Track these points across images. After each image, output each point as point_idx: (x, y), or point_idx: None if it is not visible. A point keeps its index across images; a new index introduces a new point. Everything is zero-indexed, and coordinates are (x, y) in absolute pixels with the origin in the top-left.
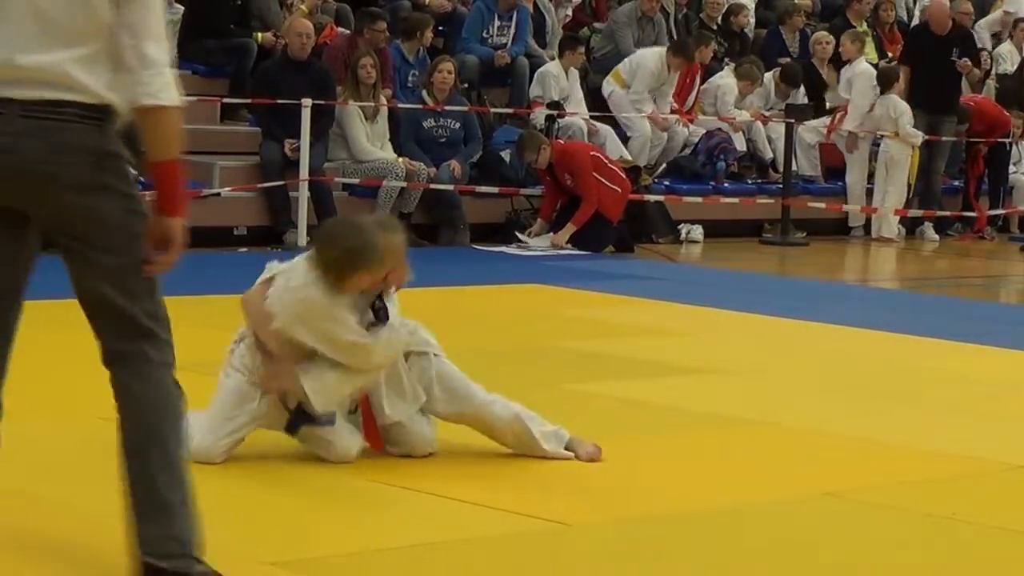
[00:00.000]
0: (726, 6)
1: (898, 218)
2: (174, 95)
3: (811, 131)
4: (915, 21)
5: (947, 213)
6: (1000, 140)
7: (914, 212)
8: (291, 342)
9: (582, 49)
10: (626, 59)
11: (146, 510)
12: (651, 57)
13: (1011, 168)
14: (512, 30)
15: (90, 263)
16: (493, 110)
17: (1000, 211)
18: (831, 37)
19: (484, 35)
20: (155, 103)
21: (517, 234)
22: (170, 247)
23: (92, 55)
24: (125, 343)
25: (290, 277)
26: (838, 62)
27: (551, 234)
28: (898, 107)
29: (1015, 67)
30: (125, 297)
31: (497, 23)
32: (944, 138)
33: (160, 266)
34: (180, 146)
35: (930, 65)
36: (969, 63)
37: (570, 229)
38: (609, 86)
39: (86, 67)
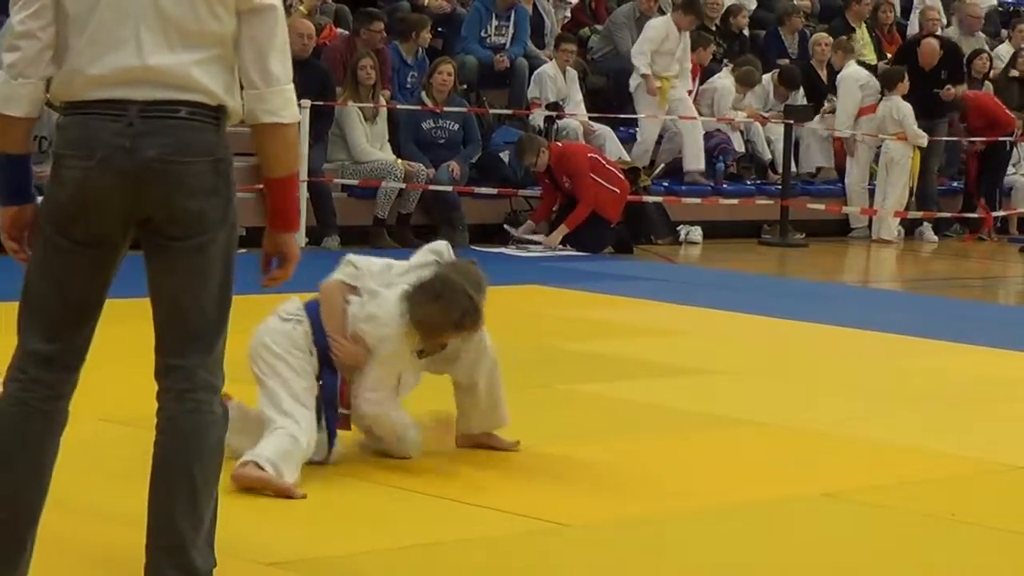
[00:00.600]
0: (725, 7)
1: (898, 220)
2: (294, 111)
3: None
4: (910, 24)
5: (948, 215)
6: (997, 140)
7: (914, 214)
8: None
9: (572, 47)
10: None
11: (159, 542)
12: (659, 19)
13: (1010, 169)
14: (511, 30)
15: (176, 264)
16: (492, 111)
17: (1000, 213)
18: (830, 38)
19: (482, 34)
20: (276, 121)
21: (508, 228)
22: (285, 261)
23: (212, 58)
24: (179, 357)
25: (380, 309)
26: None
27: (543, 236)
28: (901, 108)
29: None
30: (195, 303)
31: (495, 22)
32: (939, 138)
33: (276, 280)
34: (297, 160)
35: (920, 78)
36: (952, 91)
37: (563, 231)
38: (635, 79)
39: (206, 69)
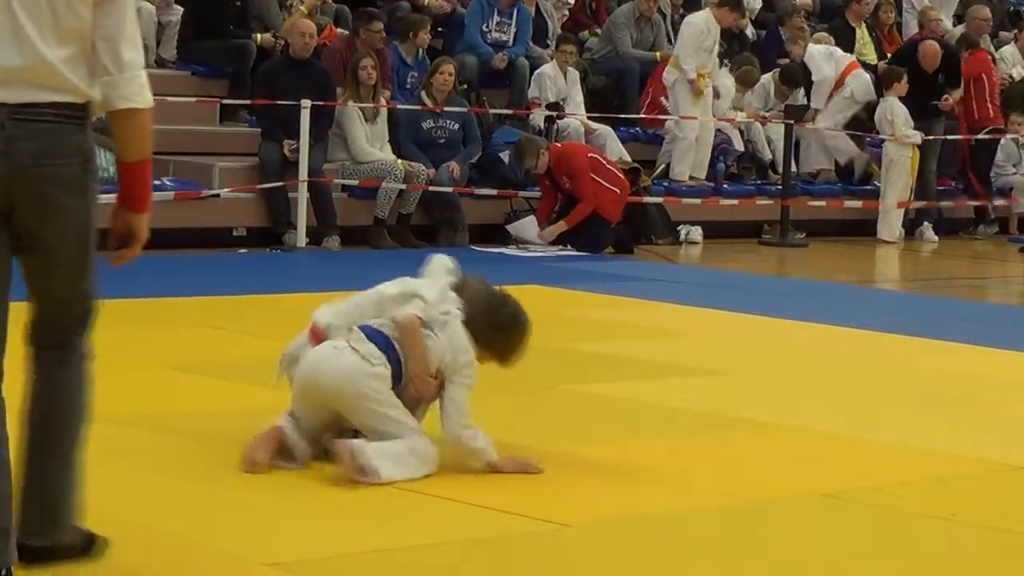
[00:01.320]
0: None
1: (900, 220)
2: (148, 97)
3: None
4: (905, 24)
5: (950, 203)
6: (986, 135)
7: (916, 204)
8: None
9: (573, 48)
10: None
11: (31, 495)
12: (698, 15)
13: (1011, 169)
14: (512, 29)
15: (55, 260)
16: (492, 111)
17: (1001, 202)
18: (831, 38)
19: (483, 28)
20: (130, 106)
21: (509, 229)
22: (134, 242)
23: (77, 55)
24: (62, 334)
25: (458, 339)
26: None
27: (541, 227)
28: (894, 109)
29: (1015, 67)
30: (76, 291)
31: (496, 18)
32: (936, 138)
33: (123, 260)
34: (151, 145)
35: (918, 79)
36: (949, 100)
37: (561, 226)
38: (671, 74)
39: (72, 67)
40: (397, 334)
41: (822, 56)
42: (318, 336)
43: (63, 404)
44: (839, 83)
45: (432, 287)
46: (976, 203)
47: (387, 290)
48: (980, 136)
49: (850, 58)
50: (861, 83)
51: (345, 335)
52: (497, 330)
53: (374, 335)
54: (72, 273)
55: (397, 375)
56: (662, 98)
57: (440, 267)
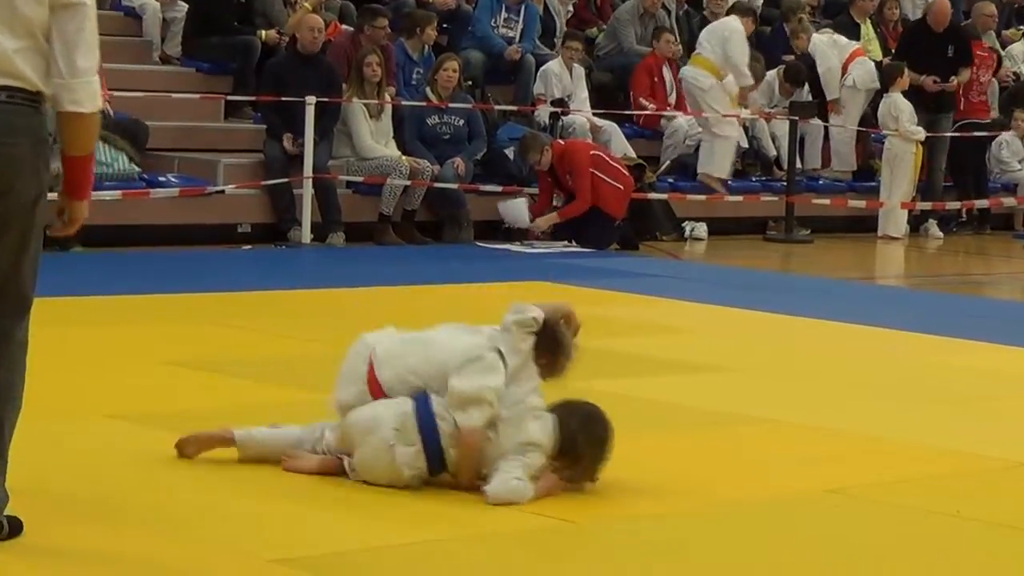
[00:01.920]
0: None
1: (905, 216)
2: (96, 102)
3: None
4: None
5: (958, 205)
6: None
7: (923, 205)
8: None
9: (579, 45)
10: (702, 41)
11: None
12: (731, 21)
13: (1016, 165)
14: (520, 26)
15: (4, 240)
16: (497, 107)
17: (1007, 204)
18: (833, 33)
19: (492, 24)
20: (79, 110)
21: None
22: (71, 222)
23: (29, 48)
24: (4, 318)
25: (539, 433)
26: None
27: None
28: (898, 105)
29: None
30: (22, 274)
31: (504, 14)
32: (944, 134)
33: (59, 232)
34: (92, 143)
35: (926, 62)
36: (956, 81)
37: (553, 218)
38: (706, 78)
39: (24, 58)
40: (451, 430)
41: (826, 45)
42: (376, 388)
43: None
44: (843, 71)
45: (501, 374)
46: (962, 200)
47: (451, 362)
48: (960, 132)
49: (854, 45)
50: (863, 71)
51: (397, 419)
52: (583, 448)
53: (427, 429)
54: (15, 250)
55: (437, 463)
56: (642, 99)
57: (522, 337)
